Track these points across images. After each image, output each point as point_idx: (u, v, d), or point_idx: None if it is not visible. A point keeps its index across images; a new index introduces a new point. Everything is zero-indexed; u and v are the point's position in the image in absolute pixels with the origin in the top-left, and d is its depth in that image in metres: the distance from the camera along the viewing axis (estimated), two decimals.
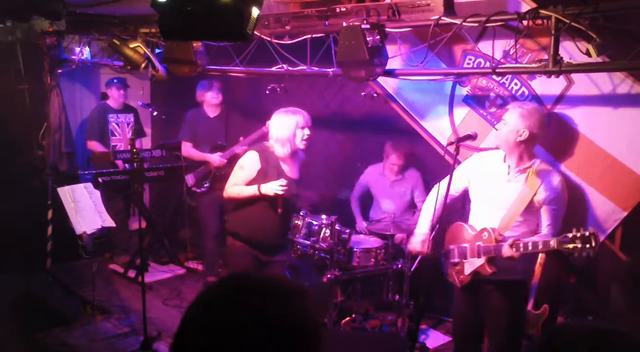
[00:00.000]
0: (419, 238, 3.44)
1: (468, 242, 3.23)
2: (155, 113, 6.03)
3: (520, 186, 3.12)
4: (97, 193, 4.55)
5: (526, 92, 3.56)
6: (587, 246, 2.72)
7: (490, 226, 3.13)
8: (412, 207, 4.91)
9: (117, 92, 5.92)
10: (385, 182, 4.94)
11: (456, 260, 3.30)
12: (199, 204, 5.55)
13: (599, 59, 2.87)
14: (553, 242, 2.83)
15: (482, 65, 3.60)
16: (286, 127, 3.67)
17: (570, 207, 3.22)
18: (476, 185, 3.33)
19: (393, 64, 3.66)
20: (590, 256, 2.73)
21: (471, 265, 3.20)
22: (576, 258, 2.85)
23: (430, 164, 4.91)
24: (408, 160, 4.88)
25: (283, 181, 3.60)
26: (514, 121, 3.08)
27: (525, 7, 3.04)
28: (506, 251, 3.01)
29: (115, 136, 5.97)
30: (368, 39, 3.28)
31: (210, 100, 5.41)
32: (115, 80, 5.94)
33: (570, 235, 2.77)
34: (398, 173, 4.87)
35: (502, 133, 3.13)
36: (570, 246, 2.75)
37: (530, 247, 2.94)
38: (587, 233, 2.72)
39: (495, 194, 3.19)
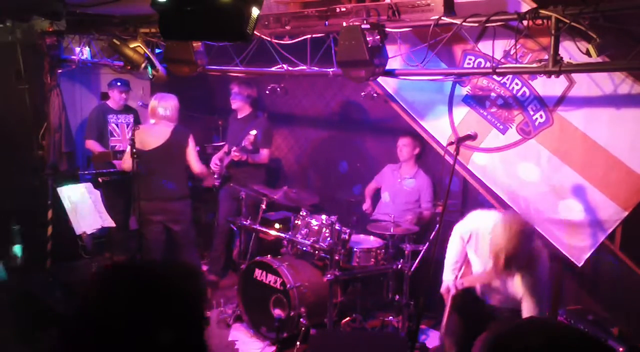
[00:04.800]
0: (445, 284, 3.46)
1: None
2: None
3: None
4: (97, 193, 4.55)
5: (527, 93, 3.56)
6: None
7: None
8: (416, 209, 4.91)
9: (119, 95, 5.88)
10: (396, 178, 5.01)
11: None
12: (217, 197, 5.59)
13: (599, 59, 2.87)
14: None
15: (482, 65, 3.59)
16: None
17: None
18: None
19: (393, 64, 3.65)
20: None
21: None
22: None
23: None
24: (417, 151, 4.92)
25: None
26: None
27: (525, 7, 3.04)
28: None
29: (115, 136, 5.96)
30: (368, 39, 3.28)
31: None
32: (118, 83, 5.86)
33: None
34: (411, 163, 4.94)
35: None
36: None
37: None
38: None
39: None
